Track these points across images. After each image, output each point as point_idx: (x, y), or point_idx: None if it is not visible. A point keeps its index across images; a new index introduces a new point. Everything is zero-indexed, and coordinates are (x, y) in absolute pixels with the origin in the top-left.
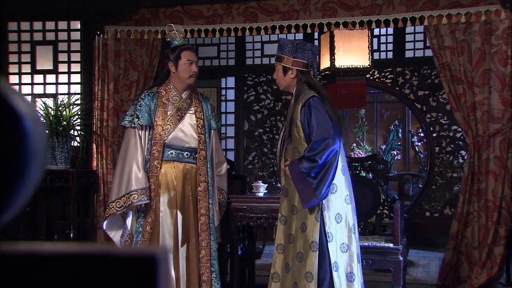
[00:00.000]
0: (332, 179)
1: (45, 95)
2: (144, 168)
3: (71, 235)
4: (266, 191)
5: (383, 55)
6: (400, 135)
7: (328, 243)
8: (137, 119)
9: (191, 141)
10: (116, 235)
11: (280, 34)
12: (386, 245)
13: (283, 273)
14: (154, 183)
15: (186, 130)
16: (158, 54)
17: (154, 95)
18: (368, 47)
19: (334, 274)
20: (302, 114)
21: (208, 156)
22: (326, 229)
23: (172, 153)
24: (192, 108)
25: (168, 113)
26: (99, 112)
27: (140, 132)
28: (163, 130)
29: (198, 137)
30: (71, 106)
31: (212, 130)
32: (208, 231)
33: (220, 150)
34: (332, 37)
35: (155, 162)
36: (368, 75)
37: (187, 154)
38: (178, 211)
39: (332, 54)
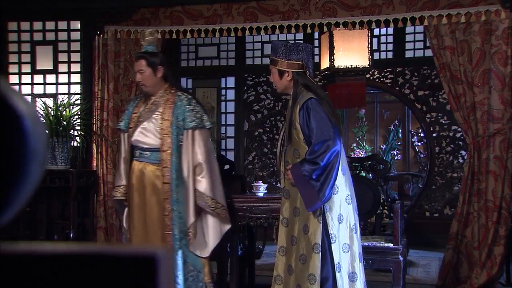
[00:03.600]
0: (335, 180)
1: (45, 95)
2: (124, 167)
3: (71, 235)
4: (266, 191)
5: (383, 55)
6: (400, 135)
7: (332, 244)
8: (121, 123)
9: (150, 141)
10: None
11: (280, 34)
12: (386, 245)
13: (286, 275)
14: (129, 182)
15: (147, 130)
16: None
17: (136, 100)
18: (368, 47)
19: (337, 275)
20: (300, 117)
21: (173, 157)
22: (329, 230)
23: (136, 153)
24: (160, 109)
25: (138, 114)
26: (99, 112)
27: (123, 134)
28: (131, 130)
29: (161, 138)
30: (71, 106)
31: (187, 131)
32: (172, 233)
33: (199, 152)
34: (331, 37)
35: (130, 161)
36: (368, 75)
37: (146, 154)
38: (134, 210)
39: (331, 54)
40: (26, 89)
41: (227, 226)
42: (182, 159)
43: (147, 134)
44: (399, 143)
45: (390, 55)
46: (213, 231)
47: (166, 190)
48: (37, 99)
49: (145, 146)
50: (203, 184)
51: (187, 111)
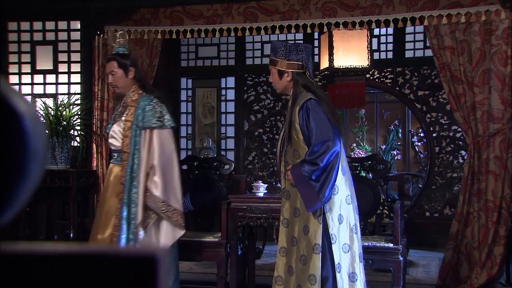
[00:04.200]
0: (335, 181)
1: (45, 95)
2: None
3: (71, 235)
4: (266, 191)
5: (383, 55)
6: (400, 135)
7: (332, 245)
8: (108, 126)
9: (116, 143)
10: None
11: (280, 34)
12: (386, 245)
13: (287, 276)
14: None
15: (115, 132)
16: (158, 54)
17: (118, 103)
18: (367, 47)
19: (337, 275)
20: (300, 117)
21: (131, 158)
22: (329, 231)
23: (110, 155)
24: (127, 110)
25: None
26: (99, 112)
27: None
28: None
29: (122, 139)
30: (71, 106)
31: (145, 131)
32: (118, 234)
33: (155, 152)
34: (330, 37)
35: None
36: (368, 75)
37: (115, 155)
38: (97, 210)
39: (330, 54)
40: (26, 89)
41: (180, 232)
42: (140, 160)
43: (115, 136)
44: (399, 143)
45: (390, 55)
46: (165, 234)
47: (120, 191)
48: (37, 99)
49: (113, 148)
50: (155, 186)
51: (146, 111)
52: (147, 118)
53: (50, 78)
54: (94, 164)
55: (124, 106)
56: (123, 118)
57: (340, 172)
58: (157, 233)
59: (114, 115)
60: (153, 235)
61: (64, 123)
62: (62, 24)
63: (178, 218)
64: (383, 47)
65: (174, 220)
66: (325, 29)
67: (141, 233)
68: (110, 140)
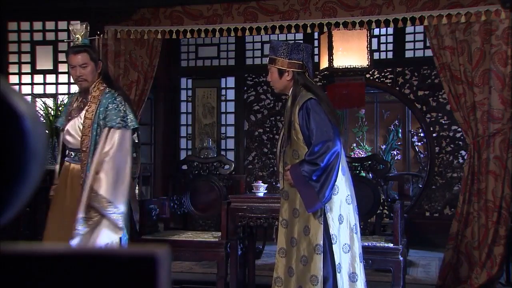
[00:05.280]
0: (335, 181)
1: (45, 95)
2: (57, 167)
3: None
4: (266, 191)
5: (383, 55)
6: (400, 135)
7: (332, 245)
8: (59, 119)
9: (74, 141)
10: None
11: (280, 34)
12: (386, 245)
13: (286, 277)
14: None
15: (71, 130)
16: (158, 54)
17: (72, 96)
18: (367, 47)
19: (338, 275)
20: (300, 117)
21: (89, 158)
22: (329, 231)
23: (66, 153)
24: (87, 106)
25: (70, 112)
26: None
27: (61, 132)
28: (63, 128)
29: (81, 138)
30: None
31: (105, 129)
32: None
33: (112, 149)
34: (330, 37)
35: (63, 161)
36: (368, 75)
37: (71, 154)
38: (51, 209)
39: (330, 54)
40: (26, 89)
41: (119, 234)
42: (94, 159)
43: (72, 133)
44: (399, 143)
45: (390, 55)
46: (103, 233)
47: (80, 194)
48: (37, 99)
49: (70, 146)
50: (101, 184)
51: (109, 109)
52: (110, 117)
53: (50, 78)
54: None
55: (83, 102)
56: (81, 114)
57: (340, 172)
58: (97, 231)
59: (67, 109)
60: (92, 233)
61: None
62: (62, 24)
63: (119, 221)
64: (383, 47)
65: (116, 222)
66: (325, 29)
67: (81, 228)
68: (66, 137)
